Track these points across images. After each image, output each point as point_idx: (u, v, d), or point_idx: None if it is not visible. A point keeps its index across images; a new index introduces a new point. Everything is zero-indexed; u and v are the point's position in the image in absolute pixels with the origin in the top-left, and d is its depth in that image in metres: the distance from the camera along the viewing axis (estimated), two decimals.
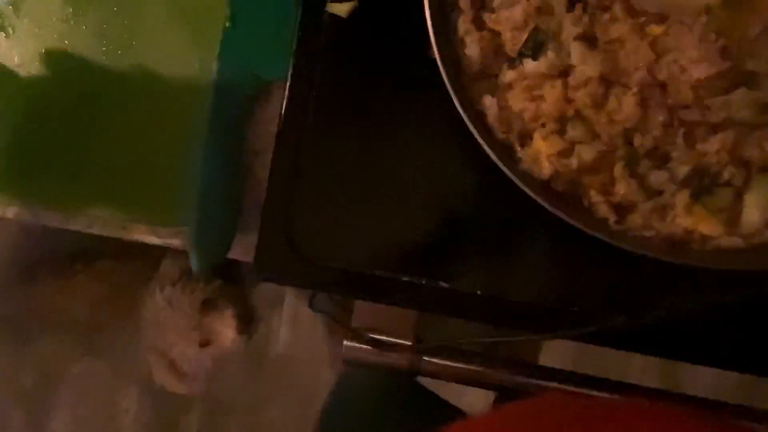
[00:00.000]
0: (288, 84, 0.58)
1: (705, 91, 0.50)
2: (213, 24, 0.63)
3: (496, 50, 0.52)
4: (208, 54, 0.63)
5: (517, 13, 0.51)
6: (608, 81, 0.51)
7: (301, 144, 0.58)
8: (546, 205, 0.49)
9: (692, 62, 0.50)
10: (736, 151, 0.50)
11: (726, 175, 0.50)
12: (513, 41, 0.52)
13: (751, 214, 0.51)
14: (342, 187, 0.58)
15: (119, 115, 0.66)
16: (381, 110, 0.58)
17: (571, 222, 0.49)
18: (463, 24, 0.52)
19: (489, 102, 0.52)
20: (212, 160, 0.62)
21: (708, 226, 0.51)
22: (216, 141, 0.62)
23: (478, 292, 0.56)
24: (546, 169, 0.51)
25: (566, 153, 0.51)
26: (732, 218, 0.51)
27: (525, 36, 0.51)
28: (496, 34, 0.52)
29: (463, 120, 0.50)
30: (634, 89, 0.50)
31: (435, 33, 0.51)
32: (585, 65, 0.50)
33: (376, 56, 0.58)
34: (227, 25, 0.63)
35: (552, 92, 0.51)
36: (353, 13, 0.58)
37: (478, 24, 0.52)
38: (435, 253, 0.57)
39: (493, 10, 0.52)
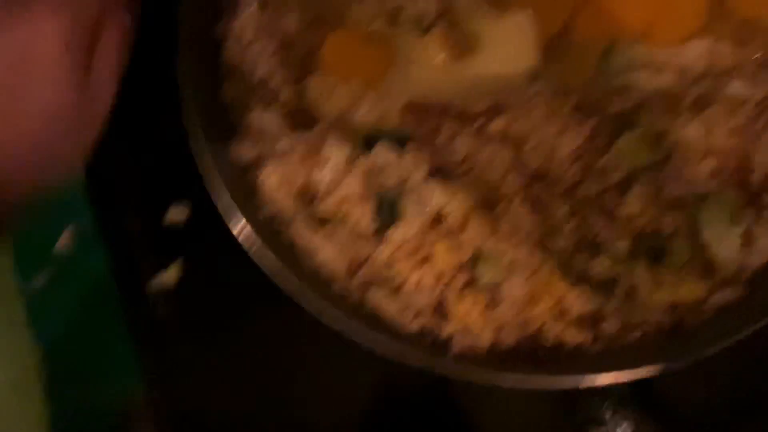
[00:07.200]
0: None
1: (588, 156, 0.42)
2: None
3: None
4: None
5: (352, 186, 0.42)
6: (487, 202, 0.42)
7: None
8: (513, 380, 0.39)
9: (557, 135, 0.41)
10: (658, 197, 0.41)
11: (667, 227, 0.41)
12: (363, 217, 0.42)
13: (722, 249, 0.41)
14: None
15: None
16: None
17: (557, 382, 0.39)
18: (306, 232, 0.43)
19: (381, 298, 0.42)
20: None
21: (690, 288, 0.41)
22: None
23: None
24: (485, 334, 0.41)
25: (492, 302, 0.41)
26: (706, 267, 0.41)
27: (370, 206, 0.42)
28: None
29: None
30: (517, 199, 0.41)
31: None
32: (453, 201, 0.41)
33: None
34: None
35: (439, 247, 0.41)
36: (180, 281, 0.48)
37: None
38: None
39: (325, 197, 0.43)
